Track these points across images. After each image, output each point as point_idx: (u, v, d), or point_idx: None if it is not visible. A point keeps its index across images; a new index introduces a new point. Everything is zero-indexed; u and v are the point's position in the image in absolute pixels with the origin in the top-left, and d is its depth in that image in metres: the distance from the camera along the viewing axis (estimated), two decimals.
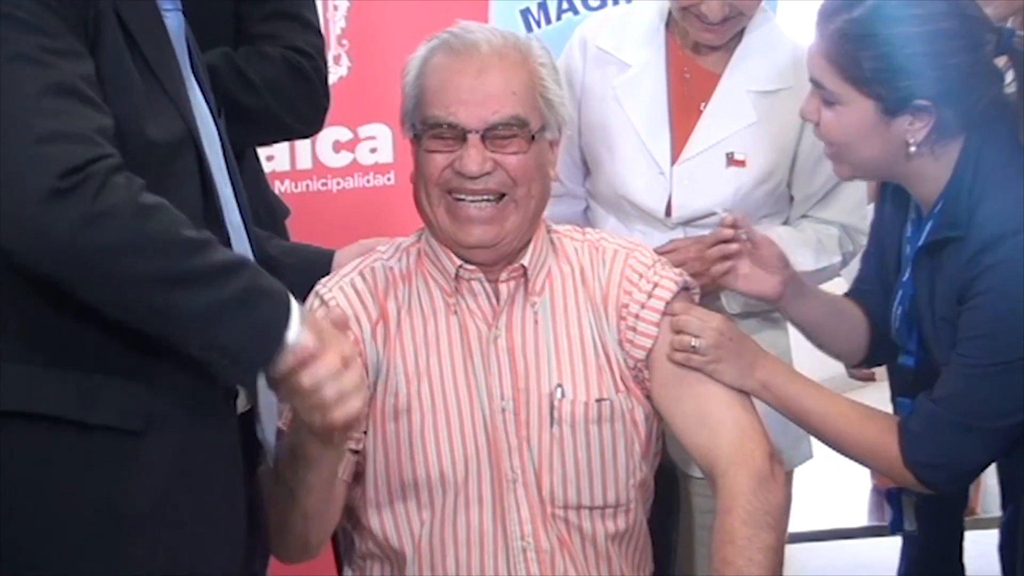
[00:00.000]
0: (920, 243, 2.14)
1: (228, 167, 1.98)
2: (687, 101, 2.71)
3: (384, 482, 2.17)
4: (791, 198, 2.77)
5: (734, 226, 2.27)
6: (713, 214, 2.54)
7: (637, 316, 2.21)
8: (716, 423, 2.17)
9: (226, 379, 1.82)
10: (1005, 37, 2.09)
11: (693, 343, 2.15)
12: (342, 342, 1.83)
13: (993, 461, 2.20)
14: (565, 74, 2.64)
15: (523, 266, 2.20)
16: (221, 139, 1.97)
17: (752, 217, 2.59)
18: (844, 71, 2.06)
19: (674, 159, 2.69)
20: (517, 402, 2.16)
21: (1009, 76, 2.13)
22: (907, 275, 2.19)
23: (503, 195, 2.13)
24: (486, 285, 2.20)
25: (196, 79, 1.94)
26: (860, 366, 2.53)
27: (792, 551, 2.88)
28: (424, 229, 2.27)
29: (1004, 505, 2.98)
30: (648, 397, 2.22)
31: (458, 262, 2.18)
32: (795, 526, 2.76)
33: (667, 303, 2.20)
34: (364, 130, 3.61)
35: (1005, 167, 2.07)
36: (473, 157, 2.10)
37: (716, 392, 2.18)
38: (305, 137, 2.93)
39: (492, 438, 2.15)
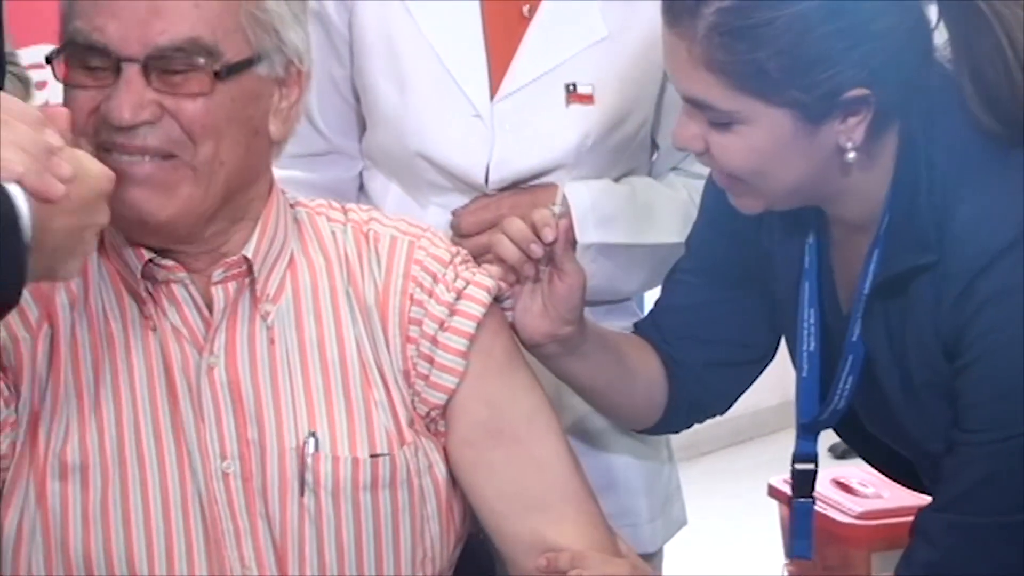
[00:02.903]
0: (868, 284, 1.87)
1: None
2: (505, 7, 2.26)
3: (42, 572, 1.80)
4: (654, 146, 2.36)
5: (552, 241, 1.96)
6: (545, 178, 2.21)
7: (434, 340, 1.86)
8: (552, 502, 1.89)
9: None
10: None
11: None
12: None
13: None
14: None
15: (246, 258, 1.83)
16: None
17: (606, 175, 2.26)
18: (739, 81, 1.78)
19: (492, 93, 2.24)
20: (246, 462, 1.82)
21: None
22: (856, 333, 1.90)
23: (172, 155, 1.77)
24: (192, 289, 1.83)
25: None
26: (647, 432, 2.25)
27: None
28: None
29: None
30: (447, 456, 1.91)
31: (146, 255, 1.81)
32: None
33: (479, 323, 1.87)
34: (28, 54, 3.02)
35: (967, 156, 1.82)
36: (125, 100, 1.73)
37: (549, 455, 1.89)
38: None
39: (209, 516, 1.81)
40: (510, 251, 1.94)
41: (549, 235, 1.92)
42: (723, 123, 1.82)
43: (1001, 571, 1.81)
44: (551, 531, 1.86)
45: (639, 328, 2.15)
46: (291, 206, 1.91)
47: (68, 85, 1.76)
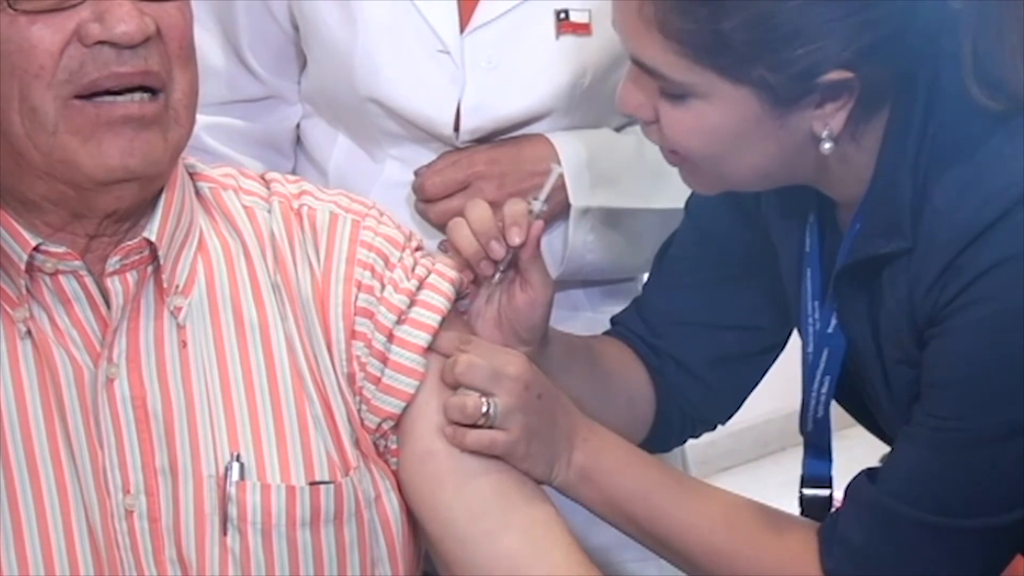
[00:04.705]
0: (838, 266, 1.81)
1: None
2: None
3: None
4: None
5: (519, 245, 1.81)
6: (531, 128, 2.08)
7: (390, 336, 1.77)
8: (540, 519, 1.79)
9: None
10: None
11: (485, 406, 1.74)
12: None
13: None
14: None
15: (148, 241, 1.72)
16: None
17: (605, 125, 2.14)
18: (697, 52, 1.66)
19: (463, 24, 2.09)
20: (153, 496, 1.70)
21: None
22: (832, 324, 1.83)
23: (156, 91, 1.66)
24: (88, 281, 1.71)
25: None
26: None
27: None
28: None
29: None
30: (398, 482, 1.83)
31: (32, 242, 1.70)
32: None
33: (443, 317, 1.79)
34: None
35: (963, 131, 1.70)
36: (124, 12, 1.60)
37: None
38: None
39: (109, 566, 1.68)
40: (466, 242, 1.80)
41: (516, 237, 1.78)
42: (676, 95, 1.68)
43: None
44: (532, 551, 1.72)
45: (617, 326, 2.02)
46: (190, 175, 1.78)
47: (21, 13, 1.58)
